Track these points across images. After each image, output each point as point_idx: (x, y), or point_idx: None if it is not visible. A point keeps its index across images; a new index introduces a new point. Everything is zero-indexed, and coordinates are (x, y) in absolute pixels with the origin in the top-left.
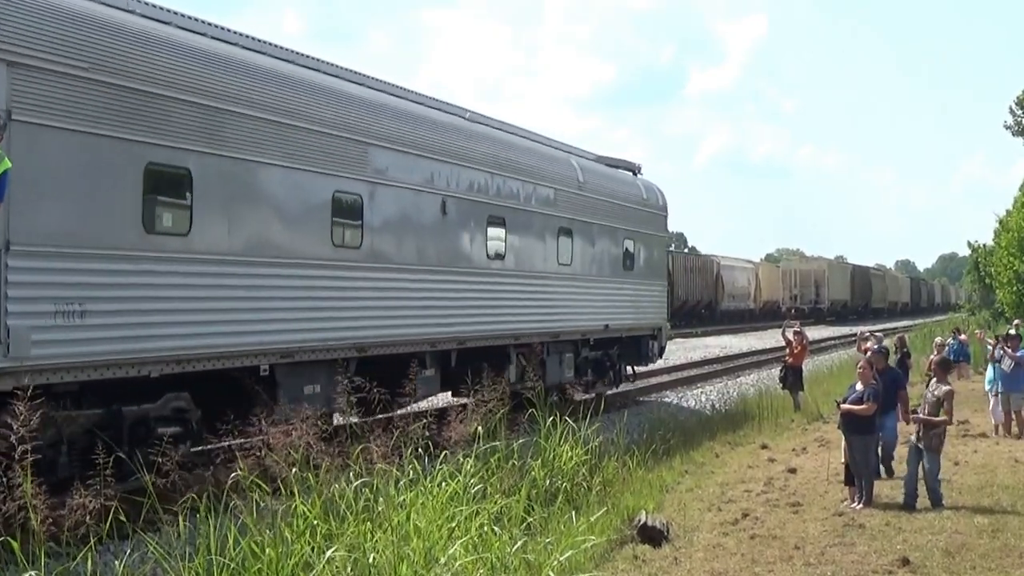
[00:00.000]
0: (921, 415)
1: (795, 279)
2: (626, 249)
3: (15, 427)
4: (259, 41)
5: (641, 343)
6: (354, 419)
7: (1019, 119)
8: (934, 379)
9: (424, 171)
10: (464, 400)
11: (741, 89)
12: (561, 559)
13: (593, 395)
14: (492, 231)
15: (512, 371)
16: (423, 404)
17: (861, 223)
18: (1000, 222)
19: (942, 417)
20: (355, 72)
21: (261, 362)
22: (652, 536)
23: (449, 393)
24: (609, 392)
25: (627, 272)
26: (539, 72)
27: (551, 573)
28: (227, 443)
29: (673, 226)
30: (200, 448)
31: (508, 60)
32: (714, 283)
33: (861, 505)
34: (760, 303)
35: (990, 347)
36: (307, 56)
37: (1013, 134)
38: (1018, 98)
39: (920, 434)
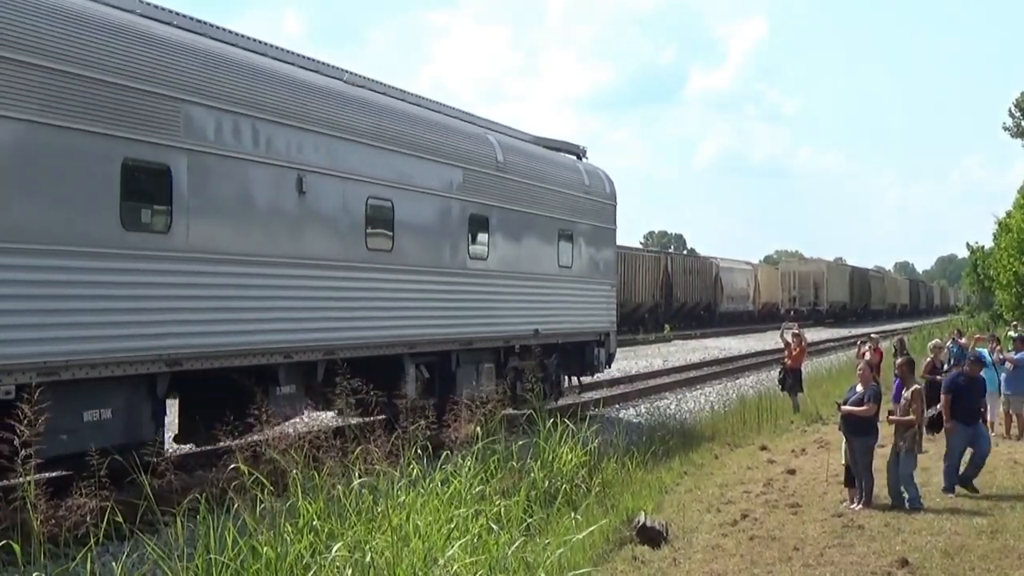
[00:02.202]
0: (894, 417)
1: (794, 281)
2: (562, 243)
3: (19, 428)
4: None
5: (585, 350)
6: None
7: (1018, 121)
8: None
9: (274, 139)
10: (353, 419)
11: (741, 90)
12: (560, 560)
13: (525, 411)
14: (375, 216)
15: (410, 385)
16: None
17: (860, 225)
18: (999, 223)
19: (910, 417)
20: (155, 6)
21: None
22: (651, 537)
23: (334, 412)
24: (549, 407)
25: (564, 269)
26: (539, 73)
27: (550, 574)
28: (226, 443)
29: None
30: (200, 448)
31: (509, 61)
32: (713, 285)
33: (860, 506)
34: (759, 305)
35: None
36: None
37: (1012, 136)
38: (1017, 100)
39: (896, 436)
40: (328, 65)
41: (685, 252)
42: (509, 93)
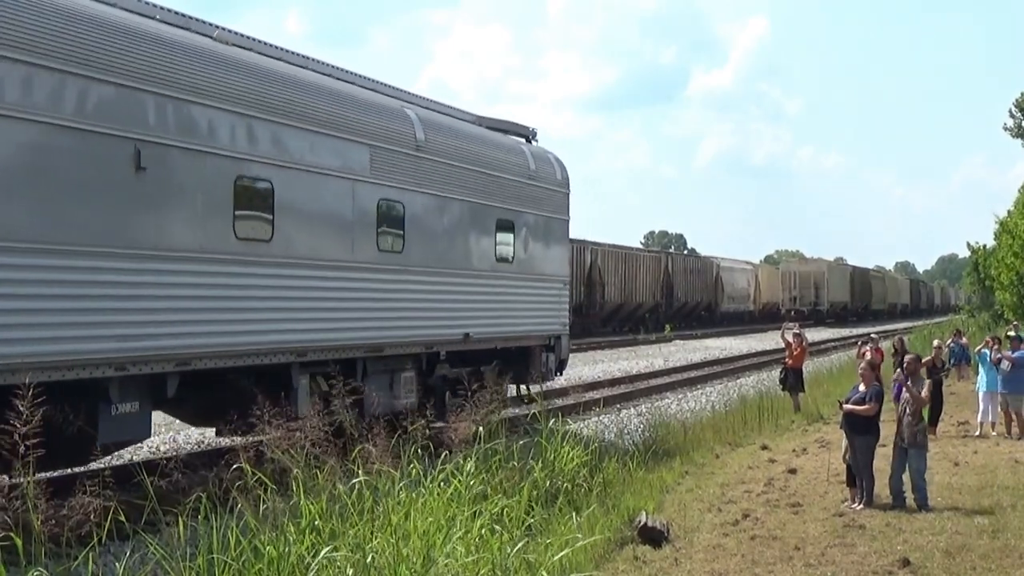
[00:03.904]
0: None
1: (795, 281)
2: (501, 234)
3: (17, 424)
4: None
5: (531, 356)
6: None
7: (1019, 121)
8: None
9: (101, 101)
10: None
11: (743, 90)
12: (561, 560)
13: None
14: (248, 199)
15: (302, 399)
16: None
17: (861, 225)
18: (1000, 223)
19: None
20: None
21: None
22: (652, 537)
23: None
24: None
25: (503, 264)
26: (540, 73)
27: (552, 574)
28: (229, 442)
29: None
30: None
31: (510, 61)
32: (714, 285)
33: (862, 506)
34: (760, 305)
35: (988, 351)
36: None
37: (1013, 136)
38: (1017, 100)
39: (904, 433)
40: (197, 20)
41: (686, 252)
42: (510, 93)
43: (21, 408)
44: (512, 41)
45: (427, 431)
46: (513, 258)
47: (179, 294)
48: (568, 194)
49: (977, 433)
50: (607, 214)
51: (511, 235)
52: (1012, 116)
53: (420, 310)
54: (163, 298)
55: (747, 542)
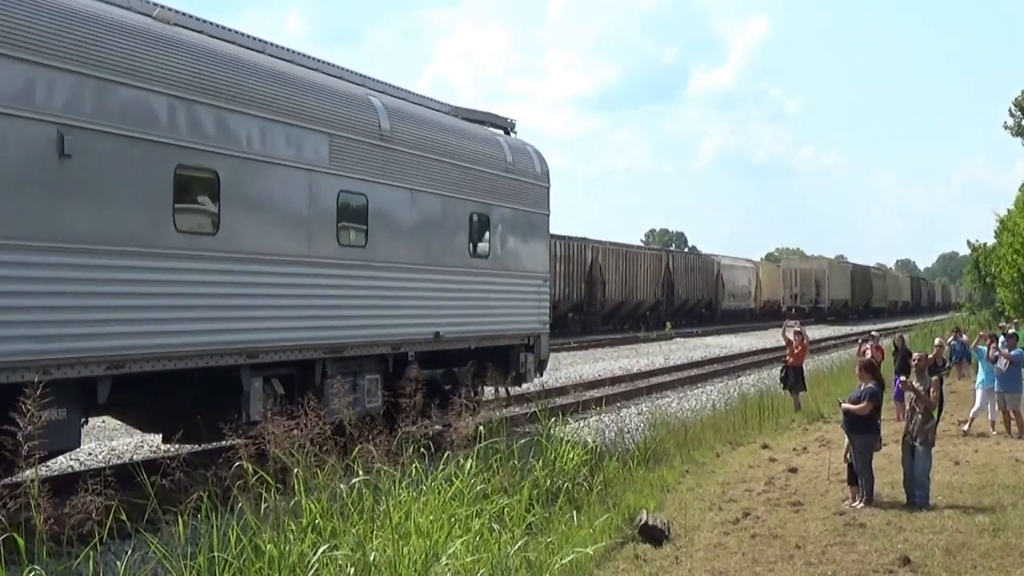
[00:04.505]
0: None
1: (795, 278)
2: (476, 229)
3: (22, 424)
4: None
5: (509, 356)
6: None
7: (1018, 120)
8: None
9: (16, 82)
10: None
11: (743, 89)
12: (562, 560)
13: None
14: (190, 189)
15: (254, 404)
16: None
17: (861, 223)
18: (1001, 221)
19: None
20: None
21: None
22: (653, 535)
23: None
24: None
25: (478, 260)
26: (541, 73)
27: (553, 574)
28: (230, 442)
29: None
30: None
31: (510, 61)
32: (715, 283)
33: (862, 504)
34: (760, 303)
35: (984, 348)
36: None
37: (1013, 134)
38: (1017, 99)
39: (914, 430)
40: (151, 3)
41: (687, 250)
42: (511, 93)
43: None
44: (512, 41)
45: (428, 432)
46: (489, 254)
47: (110, 291)
48: (548, 188)
49: (966, 428)
50: (608, 212)
51: (487, 230)
52: (1012, 115)
53: (386, 308)
54: (91, 295)
55: (748, 541)
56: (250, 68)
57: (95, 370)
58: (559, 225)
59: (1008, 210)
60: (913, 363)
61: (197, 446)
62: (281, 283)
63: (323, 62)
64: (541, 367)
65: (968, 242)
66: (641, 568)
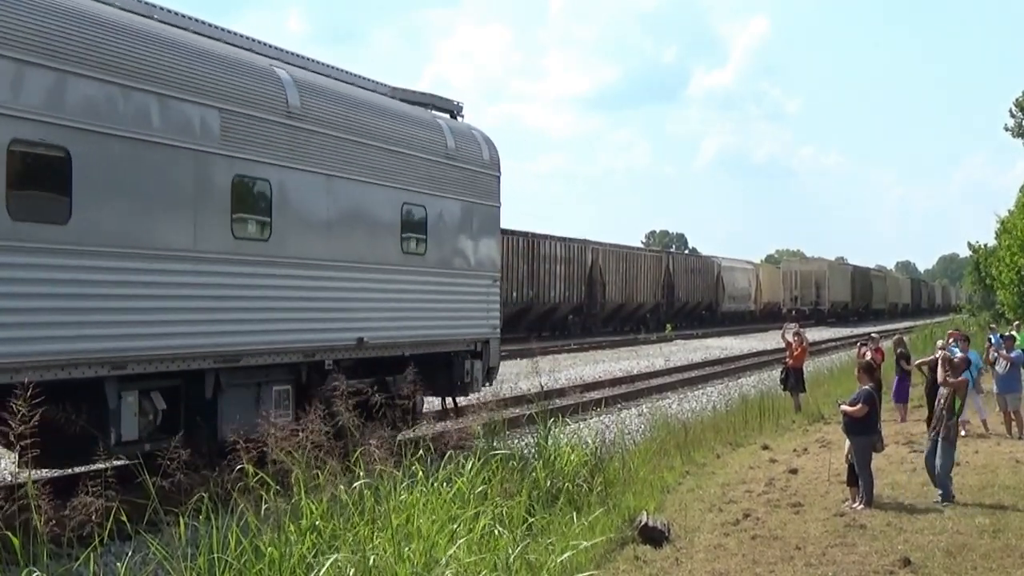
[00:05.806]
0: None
1: (796, 280)
2: (410, 222)
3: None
4: None
5: (453, 365)
6: None
7: (1019, 121)
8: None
9: None
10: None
11: (743, 89)
12: (562, 560)
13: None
14: (31, 172)
15: (125, 422)
16: None
17: (861, 224)
18: (1001, 222)
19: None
20: None
21: None
22: (653, 537)
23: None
24: (401, 436)
25: (412, 257)
26: (541, 72)
27: (553, 574)
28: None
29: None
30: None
31: (511, 60)
32: (715, 284)
33: (862, 505)
34: (761, 304)
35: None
36: None
37: (1013, 136)
38: (1017, 100)
39: (938, 427)
40: None
41: (687, 251)
42: (511, 92)
43: None
44: (512, 40)
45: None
46: (427, 250)
47: None
48: (498, 177)
49: (963, 433)
50: (608, 214)
51: (424, 223)
52: (1012, 116)
53: (295, 311)
54: None
55: (748, 542)
56: (111, 27)
57: None
58: (559, 226)
59: (1008, 211)
60: (952, 364)
61: (56, 471)
62: (156, 281)
63: (221, 29)
64: (490, 375)
65: (968, 244)
66: (641, 569)
